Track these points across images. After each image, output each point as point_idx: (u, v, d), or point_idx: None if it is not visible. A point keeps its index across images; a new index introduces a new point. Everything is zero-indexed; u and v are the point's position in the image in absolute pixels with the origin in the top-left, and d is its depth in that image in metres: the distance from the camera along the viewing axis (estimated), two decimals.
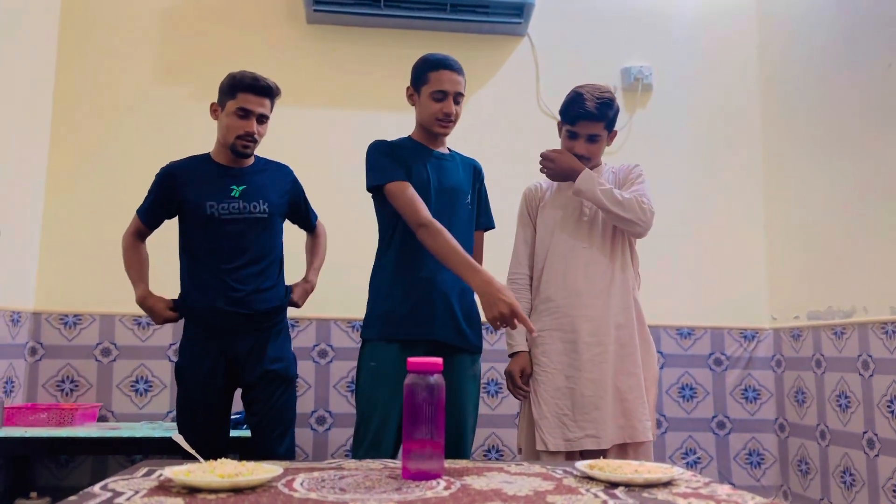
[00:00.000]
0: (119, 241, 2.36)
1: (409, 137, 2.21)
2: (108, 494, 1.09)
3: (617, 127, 2.27)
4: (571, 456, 2.06)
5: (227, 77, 2.24)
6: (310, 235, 2.57)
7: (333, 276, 2.75)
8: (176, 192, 2.25)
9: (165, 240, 2.36)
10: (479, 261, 2.24)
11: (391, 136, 2.20)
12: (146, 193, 2.32)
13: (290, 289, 2.38)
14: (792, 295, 3.25)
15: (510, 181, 2.69)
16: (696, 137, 3.49)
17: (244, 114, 2.21)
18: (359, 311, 2.18)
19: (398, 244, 2.10)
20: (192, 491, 1.11)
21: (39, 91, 3.04)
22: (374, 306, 2.12)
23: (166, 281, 2.33)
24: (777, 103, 3.43)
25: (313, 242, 2.56)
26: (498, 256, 2.38)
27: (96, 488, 1.13)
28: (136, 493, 1.10)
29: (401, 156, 2.10)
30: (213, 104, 2.28)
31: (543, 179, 2.34)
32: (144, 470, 1.30)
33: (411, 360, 1.30)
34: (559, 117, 2.26)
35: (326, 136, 3.22)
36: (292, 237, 2.46)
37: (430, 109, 2.11)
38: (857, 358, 2.82)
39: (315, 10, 3.17)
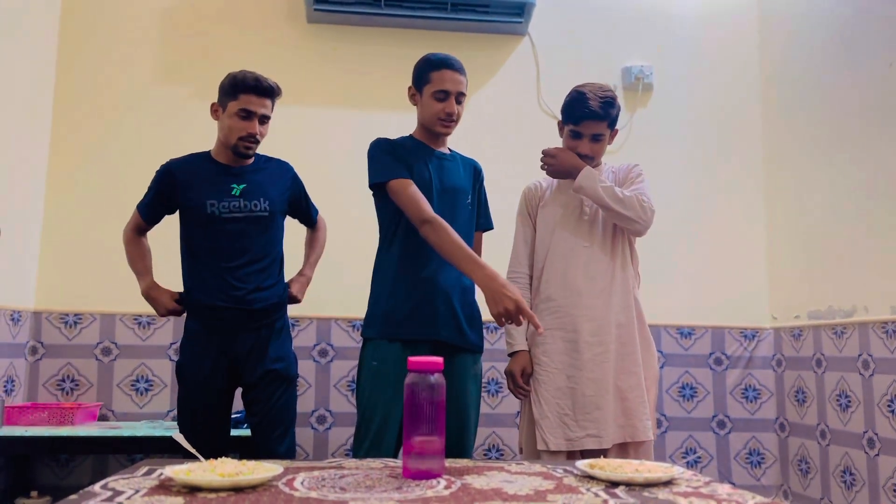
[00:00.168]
0: (119, 241, 2.36)
1: (411, 137, 2.21)
2: (109, 493, 1.09)
3: (617, 126, 2.26)
4: (572, 455, 2.06)
5: (228, 77, 2.24)
6: (310, 230, 2.57)
7: (333, 276, 2.75)
8: (176, 189, 2.25)
9: (165, 237, 2.36)
10: None
11: (392, 135, 2.20)
12: (146, 189, 2.33)
13: (288, 285, 2.37)
14: (792, 294, 3.25)
15: (510, 181, 2.69)
16: (696, 137, 3.49)
17: (246, 115, 2.21)
18: (359, 310, 2.18)
19: (399, 243, 2.10)
20: (192, 490, 1.11)
21: (40, 91, 3.04)
22: (375, 305, 2.12)
23: (166, 279, 2.33)
24: (777, 103, 3.43)
25: (313, 236, 2.56)
26: (498, 256, 2.38)
27: (97, 487, 1.13)
28: (137, 492, 1.10)
29: (402, 154, 2.10)
30: (213, 104, 2.28)
31: (543, 178, 2.34)
32: (145, 469, 1.30)
33: (412, 359, 1.30)
34: (560, 117, 2.26)
35: (326, 136, 3.22)
36: (292, 235, 2.46)
37: (433, 109, 2.11)
38: (857, 357, 2.82)
39: (315, 10, 3.17)
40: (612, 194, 2.12)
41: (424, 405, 1.27)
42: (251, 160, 2.31)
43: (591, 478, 1.26)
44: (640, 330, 2.18)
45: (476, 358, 2.16)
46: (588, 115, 2.15)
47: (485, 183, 2.32)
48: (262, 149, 2.34)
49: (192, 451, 1.34)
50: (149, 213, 2.33)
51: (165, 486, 1.14)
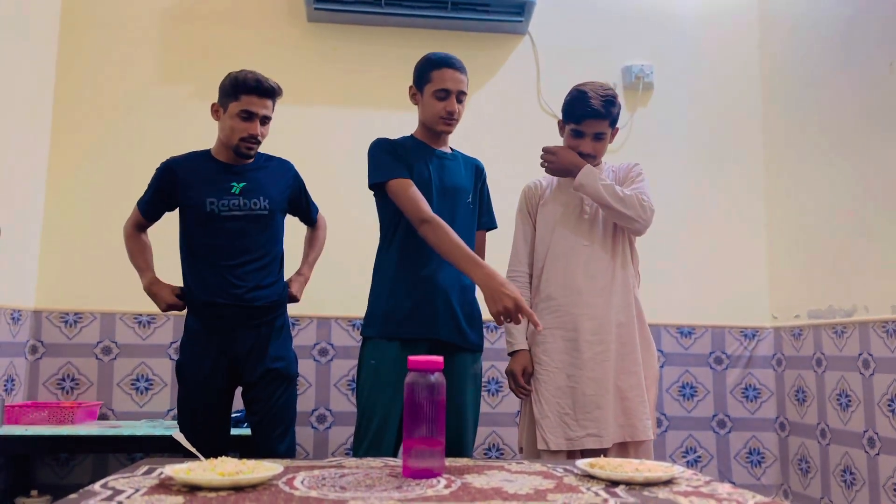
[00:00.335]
0: (119, 240, 2.37)
1: (412, 136, 2.21)
2: (109, 492, 1.09)
3: (618, 125, 2.26)
4: (573, 455, 2.06)
5: (229, 77, 2.23)
6: (310, 228, 2.57)
7: (333, 275, 2.75)
8: (176, 187, 2.25)
9: (165, 234, 2.36)
10: None
11: (392, 135, 2.20)
12: (146, 187, 2.33)
13: (287, 284, 2.37)
14: (792, 294, 3.25)
15: (510, 180, 2.69)
16: (696, 136, 3.49)
17: (248, 116, 2.20)
18: (359, 309, 2.18)
19: (399, 242, 2.10)
20: (192, 489, 1.11)
21: (40, 91, 3.04)
22: (375, 305, 2.12)
23: (166, 277, 2.33)
24: (777, 103, 3.43)
25: (312, 235, 2.56)
26: (499, 256, 2.38)
27: (97, 486, 1.13)
28: (137, 491, 1.10)
29: (403, 154, 2.10)
30: (214, 105, 2.27)
31: (543, 176, 2.33)
32: (145, 468, 1.30)
33: (412, 358, 1.30)
34: (560, 116, 2.26)
35: (327, 135, 3.22)
36: (292, 234, 2.46)
37: (434, 108, 2.11)
38: (857, 357, 2.82)
39: (316, 9, 3.17)
40: (612, 193, 2.11)
41: (424, 404, 1.27)
42: (252, 158, 2.31)
43: (592, 477, 1.26)
44: (640, 329, 2.18)
45: (476, 357, 2.16)
46: (590, 113, 2.15)
47: (487, 182, 2.32)
48: (263, 148, 2.34)
49: (192, 450, 1.34)
50: (149, 209, 2.33)
51: (165, 486, 1.14)
